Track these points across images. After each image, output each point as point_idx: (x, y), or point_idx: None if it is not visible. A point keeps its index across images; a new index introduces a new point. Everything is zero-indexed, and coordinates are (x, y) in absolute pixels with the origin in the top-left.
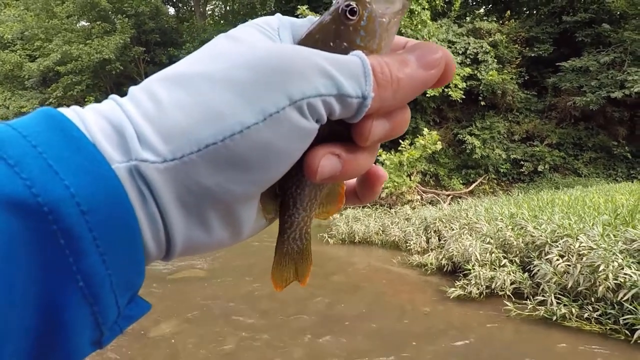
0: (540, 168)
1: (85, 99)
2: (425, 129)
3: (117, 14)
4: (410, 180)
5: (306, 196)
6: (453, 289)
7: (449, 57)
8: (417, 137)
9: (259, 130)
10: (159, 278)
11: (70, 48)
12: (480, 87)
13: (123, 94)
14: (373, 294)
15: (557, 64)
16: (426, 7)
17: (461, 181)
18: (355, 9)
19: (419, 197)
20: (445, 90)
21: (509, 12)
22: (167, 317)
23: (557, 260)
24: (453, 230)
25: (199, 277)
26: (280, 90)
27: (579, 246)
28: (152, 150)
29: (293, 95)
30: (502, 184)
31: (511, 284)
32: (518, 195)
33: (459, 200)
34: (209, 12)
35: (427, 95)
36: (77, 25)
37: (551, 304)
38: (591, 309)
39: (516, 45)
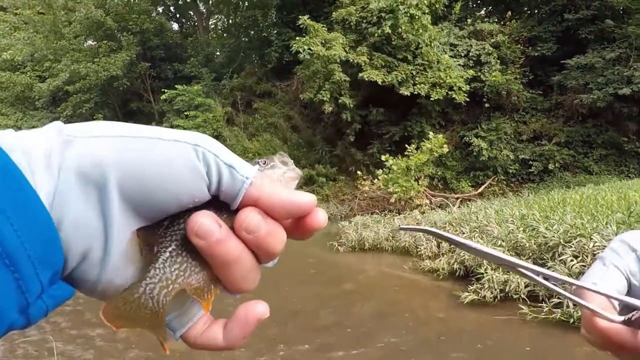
0: (550, 167)
1: (94, 117)
2: (431, 133)
3: (123, 32)
4: (418, 184)
5: (179, 260)
6: (466, 293)
7: (313, 210)
8: (424, 140)
9: (166, 147)
10: None
11: (78, 67)
12: (485, 89)
13: (130, 110)
14: (385, 301)
15: (561, 62)
16: (426, 11)
17: (470, 183)
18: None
19: (427, 201)
20: (449, 93)
21: (509, 12)
22: None
23: (572, 261)
24: (464, 233)
25: None
26: (193, 140)
27: (593, 246)
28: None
29: (199, 144)
30: (512, 184)
31: (525, 286)
32: (528, 195)
33: (468, 203)
34: (212, 26)
35: (431, 99)
36: (85, 45)
37: (567, 306)
38: None
39: (519, 45)
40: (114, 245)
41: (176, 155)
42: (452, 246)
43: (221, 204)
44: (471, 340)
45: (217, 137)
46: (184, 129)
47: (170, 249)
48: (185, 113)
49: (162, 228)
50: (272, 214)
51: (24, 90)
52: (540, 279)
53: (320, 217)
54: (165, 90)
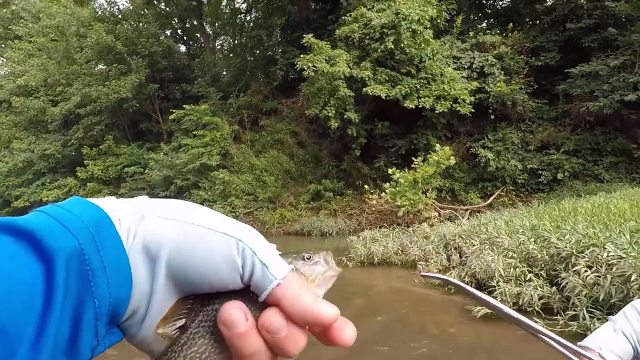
0: (559, 176)
1: (105, 138)
2: (438, 145)
3: (132, 56)
4: (426, 197)
5: (201, 341)
6: (478, 307)
7: (336, 324)
8: (430, 153)
9: (213, 239)
10: None
11: (89, 90)
12: (490, 100)
13: (139, 130)
14: (397, 317)
15: (565, 70)
16: (428, 26)
17: (478, 195)
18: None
19: (436, 213)
20: (454, 105)
21: (511, 24)
22: None
23: (586, 271)
24: (474, 246)
25: None
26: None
27: (607, 256)
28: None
29: (242, 239)
30: (521, 195)
31: (539, 299)
32: (538, 205)
33: (477, 214)
34: (218, 47)
35: (436, 111)
36: (96, 69)
37: (584, 319)
38: None
39: (522, 56)
40: (154, 309)
41: (219, 247)
42: (462, 259)
43: (254, 293)
44: (486, 355)
45: (225, 154)
46: (192, 147)
47: (195, 330)
48: (193, 132)
49: (198, 305)
50: (292, 318)
51: (37, 115)
52: (550, 341)
53: (345, 334)
54: (174, 110)
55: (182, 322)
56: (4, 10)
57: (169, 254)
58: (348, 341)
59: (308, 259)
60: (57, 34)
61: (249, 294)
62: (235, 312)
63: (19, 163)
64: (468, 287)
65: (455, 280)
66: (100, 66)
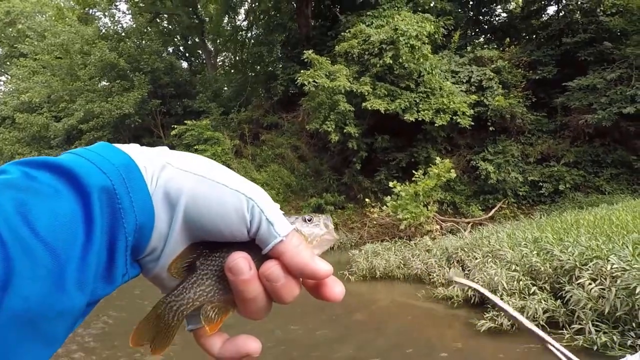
0: (561, 187)
1: None
2: (438, 158)
3: (135, 72)
4: (428, 210)
5: (208, 282)
6: (483, 321)
7: (330, 281)
8: (430, 166)
9: (227, 193)
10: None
11: (92, 106)
12: (488, 113)
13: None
14: (400, 332)
15: (563, 84)
16: (426, 41)
17: (480, 207)
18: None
19: (438, 226)
20: (454, 118)
21: (508, 39)
22: None
23: (590, 284)
24: (476, 259)
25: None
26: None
27: (611, 268)
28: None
29: (253, 197)
30: (523, 207)
31: (544, 312)
32: (540, 218)
33: (479, 227)
34: (220, 63)
35: (435, 124)
36: (99, 86)
37: (590, 332)
38: (634, 335)
39: (519, 70)
40: (169, 249)
41: (231, 202)
42: (465, 272)
43: (257, 246)
44: None
45: None
46: None
47: (204, 272)
48: (195, 147)
49: (208, 251)
50: (290, 271)
51: (40, 130)
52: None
53: (335, 290)
54: (175, 126)
55: (192, 263)
56: (10, 29)
57: (186, 202)
58: (337, 296)
59: (309, 220)
60: (62, 51)
61: (254, 246)
62: (241, 261)
63: None
64: (495, 299)
65: (484, 290)
66: (104, 82)
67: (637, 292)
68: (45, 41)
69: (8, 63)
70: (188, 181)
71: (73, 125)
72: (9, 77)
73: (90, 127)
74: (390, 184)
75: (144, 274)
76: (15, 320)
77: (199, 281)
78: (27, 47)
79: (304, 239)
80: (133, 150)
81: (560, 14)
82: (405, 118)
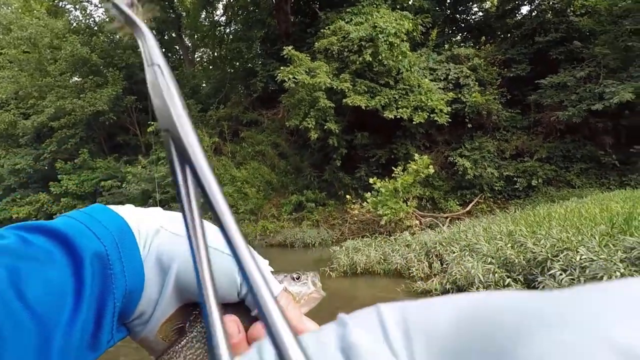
0: (534, 182)
1: (80, 152)
2: (416, 154)
3: (108, 68)
4: (407, 205)
5: (197, 344)
6: None
7: None
8: (409, 162)
9: (219, 257)
10: None
11: (64, 103)
12: (466, 110)
13: (116, 143)
14: None
15: (536, 81)
16: (404, 39)
17: (457, 202)
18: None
19: (417, 222)
20: (432, 115)
21: (483, 37)
22: None
23: (561, 274)
24: (454, 253)
25: None
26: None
27: (580, 259)
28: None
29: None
30: (499, 201)
31: None
32: (515, 211)
33: (457, 221)
34: (198, 59)
35: (413, 122)
36: (70, 81)
37: None
38: None
39: (495, 67)
40: (158, 313)
41: (223, 268)
42: (443, 266)
43: (246, 307)
44: None
45: None
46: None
47: (193, 335)
48: None
49: (198, 313)
50: None
51: (7, 128)
52: None
53: None
54: (152, 123)
55: (182, 327)
56: None
57: (178, 268)
58: None
59: (297, 278)
60: (30, 45)
61: (243, 307)
62: (231, 325)
63: None
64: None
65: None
66: (75, 78)
67: (603, 280)
68: (11, 34)
69: None
70: (181, 246)
71: (43, 123)
72: None
73: (62, 124)
74: (371, 181)
75: (132, 336)
76: None
77: (188, 344)
78: None
79: (292, 297)
80: (129, 212)
81: (533, 14)
82: (385, 115)
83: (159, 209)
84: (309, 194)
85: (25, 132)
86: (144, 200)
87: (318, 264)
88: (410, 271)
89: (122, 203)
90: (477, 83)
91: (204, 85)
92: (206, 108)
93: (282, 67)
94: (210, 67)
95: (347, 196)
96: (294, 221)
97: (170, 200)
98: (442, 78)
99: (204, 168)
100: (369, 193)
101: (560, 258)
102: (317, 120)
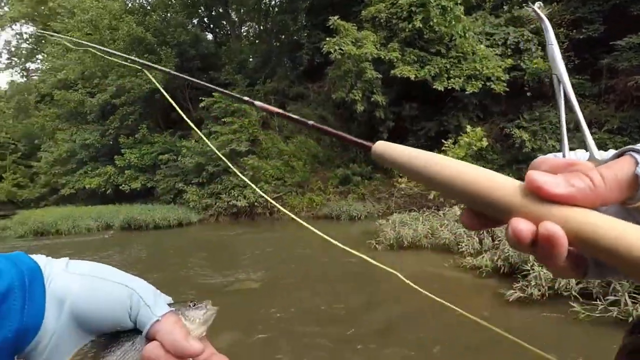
0: None
1: (139, 127)
2: (469, 126)
3: (162, 46)
4: None
5: None
6: (512, 291)
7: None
8: (461, 135)
9: (112, 287)
10: (215, 291)
11: (124, 81)
12: (525, 77)
13: (171, 119)
14: (426, 301)
15: (611, 43)
16: (459, 1)
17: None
18: None
19: None
20: (487, 84)
21: None
22: (226, 327)
23: None
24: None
25: (252, 288)
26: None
27: None
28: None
29: (134, 288)
30: None
31: (577, 283)
32: None
33: None
34: (244, 34)
35: (466, 92)
36: (128, 61)
37: (625, 304)
38: None
39: (562, 29)
40: (54, 343)
41: (113, 294)
42: (495, 242)
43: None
44: (520, 340)
45: (253, 140)
46: (221, 134)
47: None
48: (222, 119)
49: (99, 349)
50: (167, 349)
51: (76, 106)
52: None
53: None
54: (203, 99)
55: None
56: (42, 8)
57: (72, 300)
58: None
59: (193, 305)
60: (91, 27)
61: (138, 334)
62: (155, 349)
63: (62, 153)
64: None
65: None
66: (133, 57)
67: None
68: (75, 18)
69: (43, 41)
70: (76, 282)
71: (106, 101)
72: (45, 56)
73: (123, 102)
74: None
75: None
76: None
77: None
78: (58, 24)
79: (189, 319)
80: (42, 258)
81: None
82: (434, 86)
83: (66, 258)
84: (355, 168)
85: (91, 109)
86: (197, 172)
87: (364, 237)
88: (459, 247)
89: (177, 175)
90: (539, 47)
91: (250, 59)
92: (253, 82)
93: (327, 39)
94: (257, 41)
95: (394, 170)
96: (340, 194)
97: (222, 173)
98: (499, 43)
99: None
100: None
101: None
102: (364, 92)
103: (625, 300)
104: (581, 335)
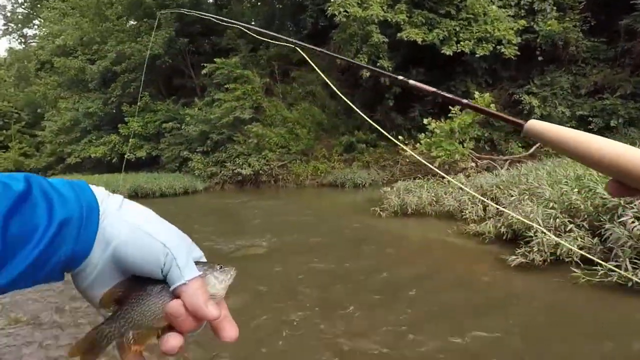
0: (612, 123)
1: (141, 95)
2: (477, 92)
3: (161, 9)
4: (463, 147)
5: (129, 315)
6: (514, 257)
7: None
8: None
9: (151, 242)
10: (222, 256)
11: (123, 47)
12: (538, 40)
13: (173, 86)
14: (428, 265)
15: (631, 2)
16: None
17: (520, 144)
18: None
19: (473, 164)
20: (498, 47)
21: None
22: (232, 292)
23: (633, 222)
24: (512, 196)
25: (258, 254)
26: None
27: None
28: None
29: (170, 247)
30: None
31: (579, 249)
32: None
33: (517, 165)
34: None
35: (476, 55)
36: (127, 25)
37: (626, 270)
38: None
39: None
40: (96, 274)
41: (152, 249)
42: (499, 209)
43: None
44: (519, 303)
45: (257, 108)
46: (225, 101)
47: (129, 305)
48: (225, 86)
49: (131, 289)
50: (188, 310)
51: (77, 74)
52: None
53: (226, 334)
54: (205, 65)
55: (120, 297)
56: None
57: (116, 244)
58: (228, 339)
59: (220, 269)
60: None
61: (167, 289)
62: (177, 306)
63: (66, 122)
64: None
65: None
66: (131, 22)
67: None
68: None
69: (39, 6)
70: (122, 228)
71: (107, 68)
72: (42, 21)
73: (124, 68)
74: (425, 121)
75: (76, 286)
76: None
77: (123, 313)
78: None
79: (209, 280)
80: (99, 193)
81: None
82: (443, 51)
83: (120, 197)
84: (360, 135)
85: (92, 77)
86: (202, 140)
87: (369, 204)
88: (463, 213)
89: (182, 144)
90: (554, 8)
91: (253, 23)
92: (256, 47)
93: (332, 0)
94: (259, 3)
95: (400, 137)
96: (345, 162)
97: (226, 141)
98: (512, 4)
99: None
100: (422, 134)
101: (635, 205)
102: (370, 57)
103: (626, 265)
104: (578, 298)
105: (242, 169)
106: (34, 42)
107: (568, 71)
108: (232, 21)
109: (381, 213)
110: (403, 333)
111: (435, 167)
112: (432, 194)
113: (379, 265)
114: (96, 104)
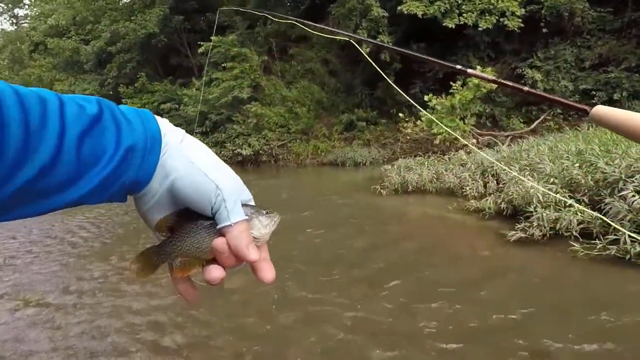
0: (616, 97)
1: (138, 76)
2: (479, 67)
3: None
4: (465, 123)
5: (179, 242)
6: (513, 232)
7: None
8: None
9: (205, 180)
10: None
11: (117, 26)
12: (543, 12)
13: (170, 66)
14: (430, 242)
15: None
16: None
17: (521, 120)
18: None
19: (474, 140)
20: (501, 20)
21: None
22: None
23: (633, 196)
24: (513, 172)
25: None
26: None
27: None
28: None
29: (222, 188)
30: (570, 118)
31: (579, 224)
32: (588, 129)
33: (519, 140)
34: None
35: (479, 28)
36: (120, 4)
37: (624, 243)
38: None
39: None
40: (154, 200)
41: (205, 188)
42: (499, 185)
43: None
44: (517, 276)
45: (255, 87)
46: (223, 81)
47: (180, 234)
48: (223, 65)
49: (184, 218)
50: (231, 249)
51: (72, 55)
52: None
53: (264, 275)
54: (202, 43)
55: (173, 225)
56: None
57: (174, 177)
58: (265, 280)
59: (266, 213)
60: None
61: (214, 221)
62: (222, 244)
63: None
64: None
65: None
66: (125, 0)
67: None
68: None
69: None
70: (182, 163)
71: (102, 48)
72: (32, 0)
73: (119, 49)
74: (425, 98)
75: (136, 208)
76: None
77: (174, 240)
78: None
79: (254, 223)
80: (164, 124)
81: None
82: (445, 24)
83: (182, 132)
84: (360, 113)
85: (87, 58)
86: (200, 121)
87: (370, 182)
88: (464, 190)
89: (181, 124)
90: None
91: None
92: (253, 24)
93: None
94: None
95: (400, 114)
96: (345, 140)
97: (225, 121)
98: None
99: None
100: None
101: (636, 179)
102: (369, 32)
103: (625, 239)
104: (576, 271)
105: (242, 149)
106: (25, 22)
107: (573, 44)
108: (274, 13)
109: (382, 191)
110: (402, 305)
111: (435, 144)
112: (433, 171)
113: (381, 242)
114: (92, 86)
